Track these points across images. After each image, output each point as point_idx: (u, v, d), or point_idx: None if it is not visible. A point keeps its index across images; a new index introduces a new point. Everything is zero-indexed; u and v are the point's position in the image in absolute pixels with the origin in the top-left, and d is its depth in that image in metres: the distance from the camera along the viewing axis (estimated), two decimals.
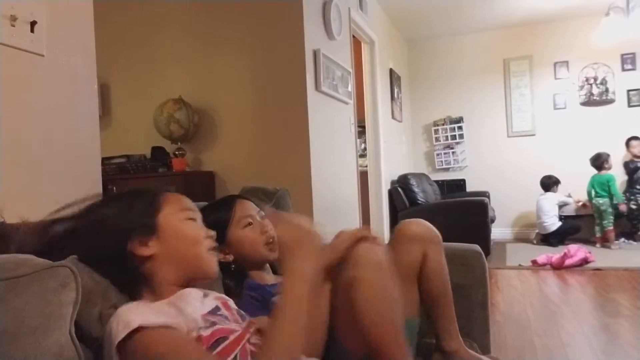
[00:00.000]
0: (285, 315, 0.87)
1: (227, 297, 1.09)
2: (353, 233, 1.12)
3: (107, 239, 0.93)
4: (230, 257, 1.30)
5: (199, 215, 1.06)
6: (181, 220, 1.00)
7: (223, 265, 1.30)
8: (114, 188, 2.94)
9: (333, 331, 1.09)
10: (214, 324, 0.92)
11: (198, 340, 0.87)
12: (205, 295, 0.99)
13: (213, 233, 1.06)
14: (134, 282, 0.96)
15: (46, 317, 0.71)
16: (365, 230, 1.13)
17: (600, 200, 5.18)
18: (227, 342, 0.89)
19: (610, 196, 5.17)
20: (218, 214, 1.31)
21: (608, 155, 5.32)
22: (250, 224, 1.30)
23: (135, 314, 0.82)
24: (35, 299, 0.70)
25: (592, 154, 5.50)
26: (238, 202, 1.34)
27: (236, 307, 1.06)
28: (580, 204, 5.47)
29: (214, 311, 0.97)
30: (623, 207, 5.15)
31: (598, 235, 5.22)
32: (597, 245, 5.12)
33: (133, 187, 1.07)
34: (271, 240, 1.30)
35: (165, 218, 0.99)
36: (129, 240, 0.94)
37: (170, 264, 0.96)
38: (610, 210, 5.13)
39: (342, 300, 1.08)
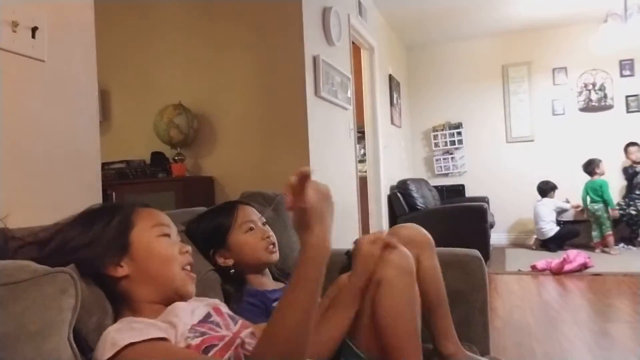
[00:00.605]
0: (296, 297, 0.79)
1: (218, 302, 1.08)
2: (376, 242, 1.11)
3: (79, 263, 0.88)
4: (230, 262, 1.30)
5: (173, 230, 1.04)
6: (154, 238, 0.98)
7: (223, 270, 1.31)
8: (114, 193, 2.94)
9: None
10: (203, 333, 0.91)
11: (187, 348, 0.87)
12: (195, 307, 0.98)
13: (189, 248, 1.03)
14: (114, 301, 0.95)
15: (45, 322, 0.71)
16: (386, 237, 1.12)
17: (595, 206, 5.19)
18: (216, 348, 0.88)
19: (605, 201, 5.18)
20: (220, 219, 1.32)
21: (600, 161, 5.34)
22: (251, 229, 1.31)
23: (122, 333, 0.81)
24: (34, 305, 0.70)
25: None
26: (240, 207, 1.35)
27: (229, 312, 1.06)
28: (580, 208, 5.46)
29: (205, 319, 0.96)
30: (615, 213, 5.17)
31: (597, 240, 5.22)
32: (597, 250, 5.12)
33: (105, 204, 1.05)
34: (272, 246, 1.31)
35: (138, 236, 0.96)
36: (100, 263, 0.91)
37: (145, 284, 0.94)
38: (605, 215, 5.14)
39: (364, 300, 1.08)
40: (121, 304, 0.95)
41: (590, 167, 5.34)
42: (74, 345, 0.77)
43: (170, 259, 0.98)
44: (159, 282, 0.96)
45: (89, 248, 0.91)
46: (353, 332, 1.10)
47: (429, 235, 1.25)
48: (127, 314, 0.93)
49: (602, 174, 5.31)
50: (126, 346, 0.78)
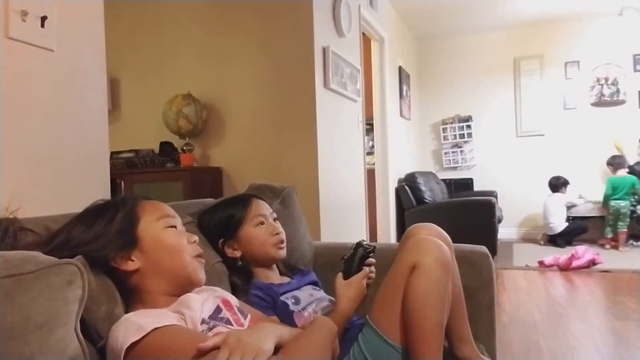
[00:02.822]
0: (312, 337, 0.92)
1: (228, 295, 1.09)
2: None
3: (89, 258, 0.90)
4: (238, 253, 1.31)
5: (179, 221, 1.05)
6: (161, 230, 0.98)
7: (230, 262, 1.31)
8: (122, 182, 2.96)
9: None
10: (214, 326, 0.92)
11: None
12: (205, 298, 0.99)
13: (196, 238, 1.04)
14: (125, 295, 0.96)
15: (52, 314, 0.71)
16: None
17: (622, 203, 5.07)
18: None
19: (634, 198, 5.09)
20: (233, 210, 1.33)
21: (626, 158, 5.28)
22: (262, 223, 1.32)
23: (145, 318, 0.83)
24: (41, 296, 0.70)
25: (603, 155, 5.46)
26: (254, 200, 1.36)
27: (237, 304, 1.06)
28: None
29: (215, 314, 0.97)
30: None
31: (609, 236, 5.14)
32: (607, 247, 5.07)
33: (108, 199, 1.05)
34: (281, 243, 1.33)
35: (145, 229, 0.97)
36: (108, 257, 0.92)
37: (157, 276, 0.95)
38: (628, 212, 5.06)
39: (394, 282, 1.08)
40: (133, 297, 0.96)
41: (617, 161, 5.24)
42: (81, 336, 0.77)
43: (180, 249, 0.99)
44: (170, 272, 0.97)
45: (93, 243, 0.91)
46: (375, 313, 1.12)
47: (448, 237, 1.24)
48: (139, 306, 0.93)
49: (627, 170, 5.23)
50: (151, 331, 0.79)
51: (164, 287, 0.97)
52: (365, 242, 1.23)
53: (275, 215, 1.39)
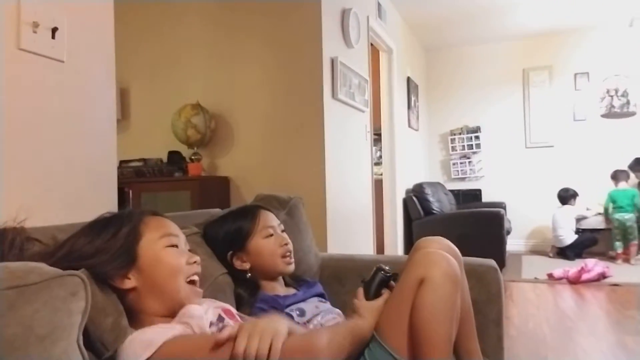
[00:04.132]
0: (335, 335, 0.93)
1: (226, 305, 1.09)
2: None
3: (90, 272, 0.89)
4: (247, 266, 1.31)
5: (182, 239, 1.04)
6: (162, 249, 0.98)
7: (237, 274, 1.30)
8: (130, 191, 2.97)
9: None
10: (223, 327, 0.93)
11: None
12: (205, 309, 0.99)
13: (197, 258, 1.03)
14: (126, 312, 0.95)
15: (55, 325, 0.71)
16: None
17: (626, 216, 4.99)
18: None
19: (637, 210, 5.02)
20: (241, 222, 1.33)
21: (629, 173, 5.22)
22: (271, 234, 1.32)
23: (152, 334, 0.83)
24: (44, 308, 0.70)
25: (612, 167, 5.40)
26: (262, 212, 1.36)
27: (238, 312, 1.06)
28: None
29: (217, 323, 0.97)
30: None
31: (619, 250, 5.04)
32: (619, 261, 4.96)
33: (114, 213, 1.04)
34: (288, 253, 1.32)
35: (145, 247, 0.96)
36: (107, 273, 0.92)
37: (153, 297, 0.95)
38: (635, 225, 4.99)
39: (401, 296, 1.07)
40: (131, 317, 0.95)
41: (618, 175, 5.20)
42: (83, 348, 0.77)
43: (177, 270, 0.98)
44: (165, 293, 0.96)
45: (95, 258, 0.91)
46: (383, 328, 1.10)
47: (458, 251, 1.22)
48: (138, 327, 0.92)
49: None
50: (162, 344, 0.81)
51: (159, 309, 0.96)
52: (384, 267, 1.21)
53: (282, 226, 1.39)
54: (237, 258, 1.31)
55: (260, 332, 0.78)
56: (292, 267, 1.34)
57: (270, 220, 1.36)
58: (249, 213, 1.36)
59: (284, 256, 1.31)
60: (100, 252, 0.92)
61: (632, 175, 5.21)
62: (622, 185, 5.16)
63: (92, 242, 0.94)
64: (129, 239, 0.95)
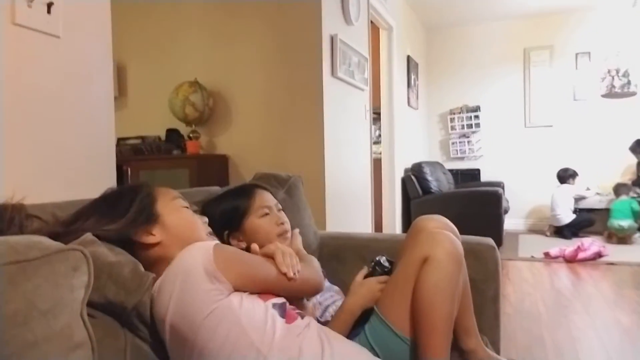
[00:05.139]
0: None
1: None
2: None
3: (107, 235, 0.95)
4: (244, 244, 1.29)
5: (188, 205, 1.11)
6: (179, 208, 1.06)
7: None
8: (129, 169, 2.97)
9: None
10: None
11: None
12: None
13: (205, 219, 1.12)
14: (147, 267, 0.98)
15: (57, 300, 0.71)
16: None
17: (625, 225, 4.96)
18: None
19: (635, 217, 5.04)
20: (238, 201, 1.32)
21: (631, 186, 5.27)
22: (267, 214, 1.31)
23: (202, 243, 0.96)
24: (46, 283, 0.70)
25: (612, 147, 5.40)
26: (258, 191, 1.35)
27: None
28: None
29: None
30: None
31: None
32: (614, 240, 5.01)
33: (123, 185, 1.11)
34: (284, 233, 1.31)
35: (163, 207, 1.03)
36: (132, 232, 0.98)
37: (179, 246, 0.98)
38: (634, 226, 5.01)
39: (404, 274, 1.09)
40: (156, 266, 0.98)
41: (622, 189, 5.23)
42: (88, 322, 0.77)
43: (197, 225, 1.07)
44: (192, 242, 1.01)
45: (119, 222, 0.97)
46: (384, 304, 1.12)
47: (456, 229, 1.23)
48: (164, 269, 0.96)
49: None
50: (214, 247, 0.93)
51: None
52: (383, 259, 1.23)
53: (280, 205, 1.38)
54: (233, 237, 1.30)
55: (288, 252, 1.03)
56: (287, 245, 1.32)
57: (267, 199, 1.34)
58: (246, 192, 1.35)
59: (280, 235, 1.30)
60: (124, 215, 0.98)
61: (630, 183, 5.25)
62: (622, 198, 5.18)
63: (114, 208, 0.99)
64: (147, 202, 1.02)
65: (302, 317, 0.97)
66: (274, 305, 0.95)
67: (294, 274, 1.00)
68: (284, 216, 1.34)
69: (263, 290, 0.97)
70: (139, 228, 0.99)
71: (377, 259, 1.23)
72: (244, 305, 0.90)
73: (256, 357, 0.85)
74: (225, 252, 0.95)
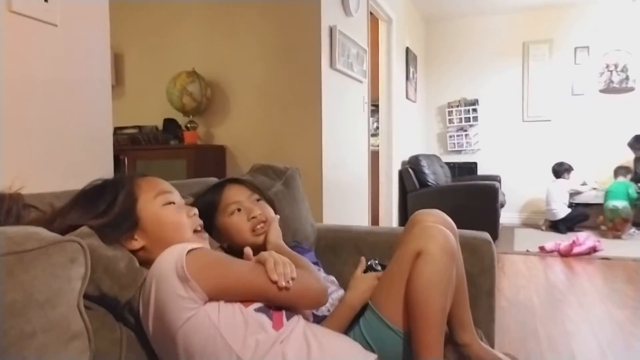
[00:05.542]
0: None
1: None
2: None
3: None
4: (224, 244, 1.25)
5: (176, 195, 1.05)
6: (160, 207, 0.99)
7: (224, 252, 1.29)
8: (126, 159, 2.96)
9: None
10: None
11: None
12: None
13: (195, 211, 1.06)
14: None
15: (54, 291, 0.71)
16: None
17: (620, 205, 4.98)
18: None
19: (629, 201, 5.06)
20: (207, 200, 1.25)
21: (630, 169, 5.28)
22: (238, 210, 1.22)
23: (180, 246, 0.91)
24: (43, 274, 0.70)
25: (609, 142, 5.41)
26: (226, 188, 1.27)
27: None
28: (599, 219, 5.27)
29: None
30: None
31: (610, 225, 5.09)
32: (610, 236, 5.02)
33: (104, 180, 1.03)
34: (259, 225, 1.22)
35: (144, 209, 0.98)
36: (113, 238, 0.93)
37: (161, 249, 0.95)
38: (628, 209, 5.02)
39: (398, 268, 1.09)
40: (145, 267, 0.96)
41: (621, 171, 5.25)
42: (85, 313, 0.77)
43: (181, 225, 1.00)
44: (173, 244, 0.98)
45: (100, 220, 0.92)
46: (378, 298, 1.12)
47: (454, 224, 1.23)
48: None
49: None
50: (189, 251, 0.89)
51: None
52: (375, 263, 1.24)
53: (256, 196, 1.27)
54: (213, 236, 1.23)
55: (282, 261, 0.96)
56: (260, 239, 1.21)
57: (236, 195, 1.25)
58: (214, 191, 1.28)
59: (252, 230, 1.21)
60: (102, 216, 0.93)
61: (631, 167, 5.26)
62: (620, 179, 5.20)
63: (92, 211, 0.94)
64: (127, 204, 0.96)
65: (289, 319, 0.94)
66: (259, 309, 0.91)
67: (287, 282, 0.93)
68: (257, 208, 1.24)
69: (249, 300, 0.92)
70: (122, 235, 0.95)
71: (369, 263, 1.24)
72: (222, 314, 0.87)
73: None
74: (200, 259, 0.89)
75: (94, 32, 1.45)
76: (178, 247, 0.90)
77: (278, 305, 0.95)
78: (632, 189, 5.09)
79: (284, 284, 0.92)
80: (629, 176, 5.23)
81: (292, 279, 0.94)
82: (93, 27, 1.44)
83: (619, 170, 5.29)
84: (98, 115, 1.48)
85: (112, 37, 1.54)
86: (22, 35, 1.21)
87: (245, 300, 0.92)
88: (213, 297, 0.88)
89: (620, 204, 5.00)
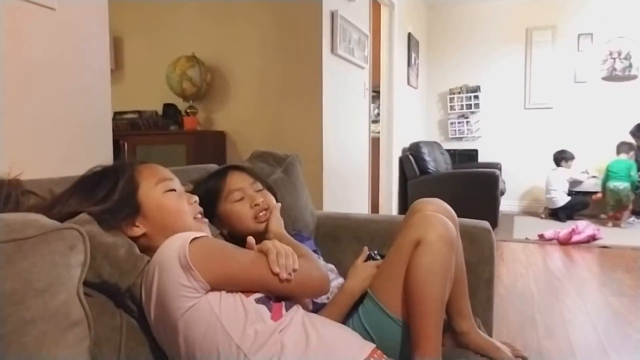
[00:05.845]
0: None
1: None
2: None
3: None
4: (225, 231, 1.25)
5: (177, 183, 1.05)
6: (161, 194, 1.00)
7: (224, 239, 1.29)
8: (125, 144, 2.95)
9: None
10: None
11: None
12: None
13: (196, 198, 1.06)
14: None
15: (53, 279, 0.71)
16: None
17: (620, 186, 4.97)
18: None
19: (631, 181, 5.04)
20: (209, 187, 1.25)
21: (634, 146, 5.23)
22: (241, 198, 1.23)
23: (184, 234, 0.90)
24: (42, 261, 0.70)
25: (612, 130, 5.39)
26: (229, 174, 1.26)
27: None
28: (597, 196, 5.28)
29: None
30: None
31: (611, 213, 5.11)
32: (609, 224, 5.03)
33: (105, 166, 1.02)
34: (261, 213, 1.22)
35: (145, 195, 0.98)
36: (114, 225, 0.93)
37: (163, 236, 0.95)
38: (629, 193, 5.01)
39: (398, 257, 1.09)
40: (147, 254, 0.96)
41: (623, 147, 5.19)
42: (84, 300, 0.77)
43: (182, 211, 1.01)
44: (176, 233, 0.97)
45: (100, 206, 0.92)
46: (378, 286, 1.13)
47: (454, 213, 1.23)
48: None
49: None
50: (192, 240, 0.88)
51: None
52: (375, 253, 1.23)
53: (258, 185, 1.28)
54: (213, 224, 1.23)
55: (285, 252, 0.96)
56: (262, 226, 1.22)
57: (238, 182, 1.25)
58: (216, 178, 1.27)
59: (255, 218, 1.22)
60: (102, 202, 0.93)
61: (634, 143, 5.20)
62: (622, 156, 5.16)
63: (92, 198, 0.94)
64: (128, 191, 0.96)
65: (288, 309, 0.94)
66: (259, 299, 0.92)
67: (289, 274, 0.93)
68: (258, 195, 1.24)
69: (250, 290, 0.92)
70: (122, 221, 0.95)
71: (369, 253, 1.24)
72: (223, 304, 0.88)
73: (237, 356, 0.85)
74: (204, 248, 0.89)
75: (93, 15, 1.43)
76: (182, 236, 0.89)
77: (279, 295, 0.95)
78: (634, 171, 5.05)
79: (285, 276, 0.92)
80: (632, 153, 5.17)
81: (294, 270, 0.94)
82: (92, 10, 1.43)
83: (622, 147, 5.21)
84: (97, 100, 1.47)
85: (112, 21, 1.53)
86: (20, 18, 1.19)
87: (247, 290, 0.92)
88: (215, 286, 0.88)
89: (622, 184, 4.98)
